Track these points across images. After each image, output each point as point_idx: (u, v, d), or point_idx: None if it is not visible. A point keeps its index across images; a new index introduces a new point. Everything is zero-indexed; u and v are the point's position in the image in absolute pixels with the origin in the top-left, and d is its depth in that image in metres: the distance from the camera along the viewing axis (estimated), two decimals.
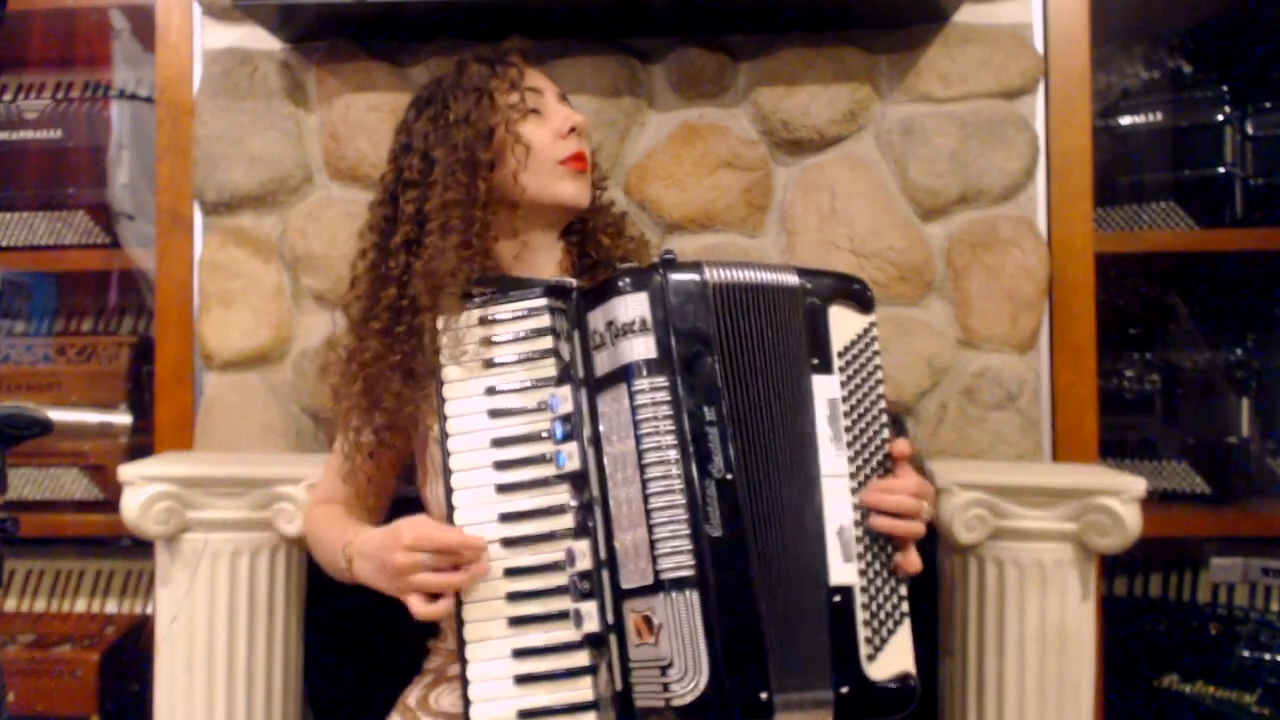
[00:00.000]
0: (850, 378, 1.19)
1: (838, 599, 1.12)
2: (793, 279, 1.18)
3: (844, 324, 1.20)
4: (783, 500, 1.13)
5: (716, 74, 1.74)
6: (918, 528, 1.17)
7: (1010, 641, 1.54)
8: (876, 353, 1.21)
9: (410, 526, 1.18)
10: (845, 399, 1.17)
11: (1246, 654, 1.87)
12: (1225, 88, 1.96)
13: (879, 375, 1.21)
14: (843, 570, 1.13)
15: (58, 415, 1.04)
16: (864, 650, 1.13)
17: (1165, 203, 1.95)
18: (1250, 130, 1.95)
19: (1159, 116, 1.99)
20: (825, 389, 1.16)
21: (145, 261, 2.05)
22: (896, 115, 1.73)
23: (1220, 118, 1.95)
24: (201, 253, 1.79)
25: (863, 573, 1.14)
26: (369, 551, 1.23)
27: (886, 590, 1.16)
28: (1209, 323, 2.10)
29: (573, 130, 1.36)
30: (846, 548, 1.14)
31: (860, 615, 1.13)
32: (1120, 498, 1.50)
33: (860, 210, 1.71)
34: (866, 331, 1.21)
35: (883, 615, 1.15)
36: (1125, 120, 2.01)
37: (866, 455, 1.18)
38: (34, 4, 2.09)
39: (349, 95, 1.74)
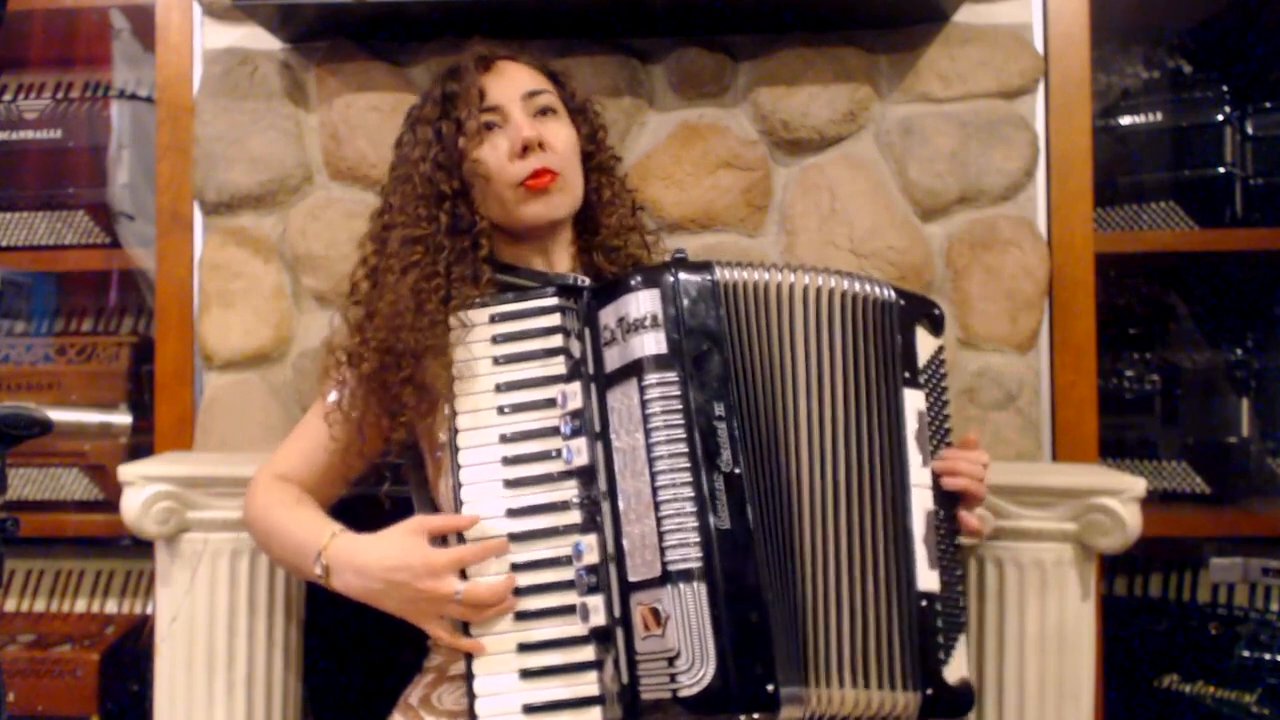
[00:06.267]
0: (928, 395, 1.22)
1: (924, 604, 1.14)
2: (889, 294, 1.21)
3: (924, 343, 1.23)
4: (846, 500, 1.15)
5: (716, 74, 1.74)
6: (984, 490, 1.24)
7: (1010, 641, 1.54)
8: (945, 374, 1.26)
9: (437, 554, 1.15)
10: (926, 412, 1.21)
11: (1246, 654, 1.87)
12: (1225, 88, 1.96)
13: (947, 396, 1.25)
14: (929, 577, 1.15)
15: (58, 415, 1.04)
16: (940, 655, 1.15)
17: (1165, 203, 1.95)
18: (1250, 130, 1.95)
19: (1159, 116, 1.99)
20: (914, 402, 1.19)
21: (145, 261, 2.05)
22: (896, 115, 1.73)
23: (1220, 118, 1.95)
24: (201, 253, 1.79)
25: (941, 580, 1.16)
26: (370, 569, 1.17)
27: (954, 597, 1.18)
28: (1209, 323, 2.10)
29: (526, 148, 1.27)
30: (931, 555, 1.16)
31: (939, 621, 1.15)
32: (1120, 498, 1.50)
33: (860, 210, 1.71)
34: (939, 353, 1.26)
35: (951, 622, 1.17)
36: (1125, 120, 2.01)
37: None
38: (34, 4, 2.09)
39: (349, 95, 1.74)
